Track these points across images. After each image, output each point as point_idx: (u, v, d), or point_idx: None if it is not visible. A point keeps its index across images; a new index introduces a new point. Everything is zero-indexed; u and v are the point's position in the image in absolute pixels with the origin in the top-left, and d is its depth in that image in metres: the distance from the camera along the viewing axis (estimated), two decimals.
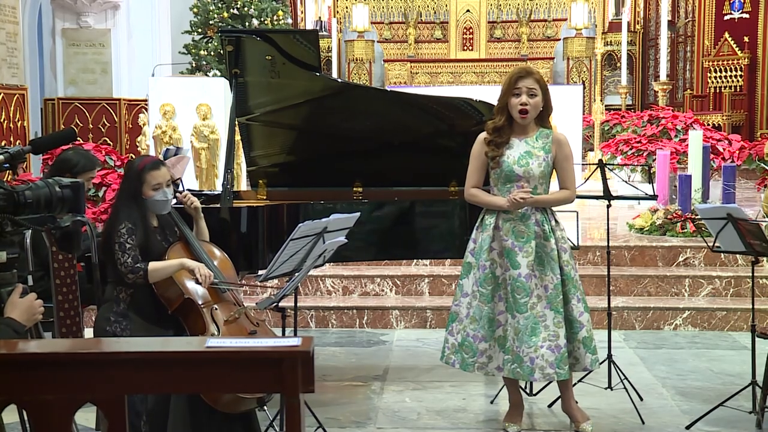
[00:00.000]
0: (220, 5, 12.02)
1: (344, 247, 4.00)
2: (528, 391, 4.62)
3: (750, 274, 4.73)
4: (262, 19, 12.02)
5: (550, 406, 4.53)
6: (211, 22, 12.00)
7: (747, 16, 13.36)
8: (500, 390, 4.62)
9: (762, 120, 13.15)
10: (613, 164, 6.73)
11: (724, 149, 9.31)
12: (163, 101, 8.49)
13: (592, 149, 11.59)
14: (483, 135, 4.15)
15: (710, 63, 13.75)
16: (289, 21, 13.07)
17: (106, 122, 11.08)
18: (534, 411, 4.53)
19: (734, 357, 5.58)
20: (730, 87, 13.37)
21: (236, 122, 4.74)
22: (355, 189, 5.03)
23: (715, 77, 13.69)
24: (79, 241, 2.59)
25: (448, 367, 4.26)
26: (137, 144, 9.55)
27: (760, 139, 11.87)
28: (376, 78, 16.26)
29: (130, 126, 11.02)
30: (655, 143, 9.68)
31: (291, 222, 4.37)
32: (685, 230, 7.13)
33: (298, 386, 1.85)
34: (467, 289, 4.14)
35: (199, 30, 12.17)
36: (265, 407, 3.85)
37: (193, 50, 12.01)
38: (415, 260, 6.81)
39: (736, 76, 13.41)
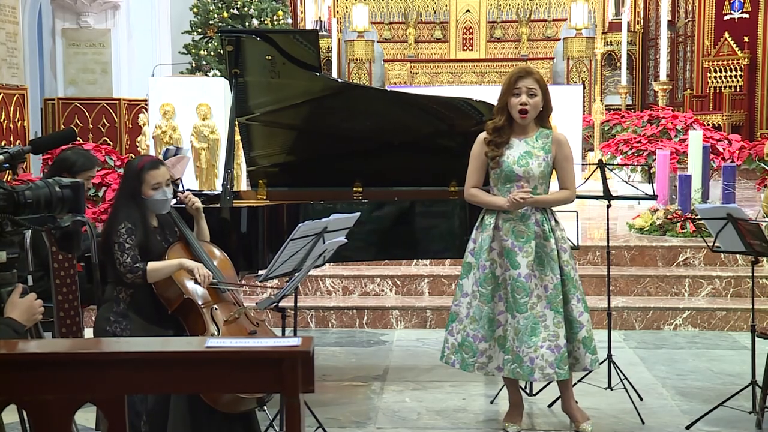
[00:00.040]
0: (220, 5, 12.03)
1: (344, 247, 4.00)
2: (528, 391, 4.62)
3: (750, 274, 4.73)
4: (262, 19, 12.02)
5: (550, 406, 4.53)
6: (211, 22, 12.00)
7: (747, 16, 13.36)
8: (500, 390, 4.62)
9: (762, 120, 13.15)
10: (613, 164, 6.73)
11: (724, 149, 9.31)
12: (163, 101, 8.49)
13: (592, 149, 11.59)
14: (483, 135, 4.15)
15: (710, 63, 13.75)
16: (289, 21, 13.08)
17: (106, 122, 11.08)
18: (534, 411, 4.53)
19: (734, 357, 5.58)
20: (730, 87, 13.37)
21: (236, 122, 4.74)
22: (355, 189, 5.03)
23: (715, 77, 13.69)
24: (79, 241, 2.59)
25: (448, 367, 4.26)
26: (137, 144, 9.55)
27: (760, 139, 11.87)
28: (376, 78, 16.26)
29: (130, 126, 11.02)
30: (655, 143, 9.68)
31: (291, 222, 4.37)
32: (685, 230, 7.13)
33: (298, 386, 1.85)
34: (467, 289, 4.14)
35: (199, 30, 12.18)
36: (265, 407, 3.85)
37: (193, 50, 12.01)
38: (415, 260, 6.81)
39: (736, 76, 13.41)
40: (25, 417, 2.36)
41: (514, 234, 4.06)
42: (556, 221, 4.15)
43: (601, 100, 12.37)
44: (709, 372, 5.28)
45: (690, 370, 5.33)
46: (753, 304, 4.63)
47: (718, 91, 13.55)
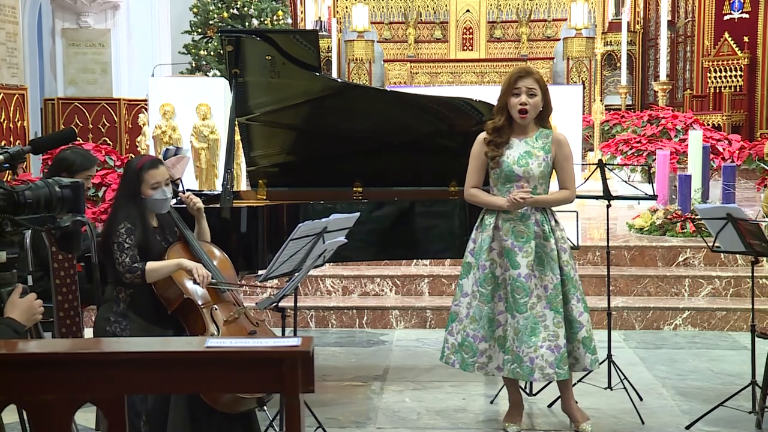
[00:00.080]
0: (220, 5, 12.03)
1: (344, 247, 4.01)
2: (528, 391, 4.62)
3: (750, 274, 4.73)
4: (262, 19, 12.02)
5: (549, 406, 4.53)
6: (211, 22, 12.01)
7: (747, 16, 13.36)
8: (500, 390, 4.62)
9: (762, 120, 13.15)
10: (612, 164, 6.73)
11: (723, 149, 9.30)
12: (163, 101, 8.49)
13: (592, 149, 11.59)
14: (483, 135, 4.15)
15: (710, 63, 13.75)
16: (289, 21, 13.08)
17: (106, 122, 11.08)
18: (534, 411, 4.53)
19: (734, 357, 5.58)
20: (730, 87, 13.37)
21: (236, 122, 4.74)
22: (354, 189, 5.03)
23: (715, 77, 13.69)
24: (79, 241, 2.59)
25: (448, 367, 4.26)
26: (137, 144, 9.55)
27: (759, 139, 11.86)
28: (376, 78, 16.26)
29: (130, 126, 11.02)
30: (655, 143, 9.68)
31: (291, 222, 4.37)
32: (685, 230, 7.13)
33: (298, 386, 1.85)
34: (467, 289, 4.14)
35: (199, 30, 12.18)
36: (265, 407, 3.85)
37: (193, 50, 12.01)
38: (415, 260, 6.81)
39: (735, 76, 13.41)
40: (25, 417, 2.36)
41: (514, 234, 4.06)
42: (556, 221, 4.15)
43: (601, 100, 12.37)
44: (709, 372, 5.28)
45: (690, 370, 5.33)
46: (753, 304, 4.63)
47: (718, 91, 13.55)
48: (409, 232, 4.83)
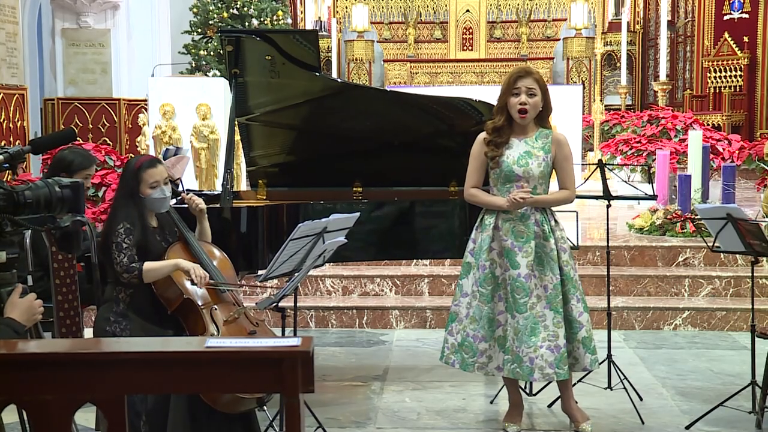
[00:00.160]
0: (219, 5, 12.03)
1: (344, 247, 4.01)
2: (528, 391, 4.62)
3: (750, 274, 4.73)
4: (262, 19, 12.02)
5: (549, 406, 4.53)
6: (210, 22, 12.01)
7: (747, 16, 13.35)
8: (500, 390, 4.62)
9: (762, 120, 13.15)
10: (612, 164, 6.73)
11: (723, 149, 9.30)
12: (163, 101, 8.49)
13: (591, 149, 11.59)
14: (482, 135, 4.15)
15: (710, 63, 13.75)
16: (289, 21, 13.08)
17: (105, 122, 11.08)
18: (534, 411, 4.53)
19: (734, 357, 5.58)
20: (730, 87, 13.36)
21: (236, 122, 4.74)
22: (354, 189, 5.03)
23: (715, 77, 13.69)
24: (79, 241, 2.59)
25: (448, 367, 4.26)
26: (137, 144, 9.55)
27: (759, 139, 11.86)
28: (375, 78, 16.25)
29: (130, 126, 11.02)
30: (655, 143, 9.68)
31: (291, 222, 4.37)
32: (685, 230, 7.13)
33: (298, 386, 1.85)
34: (467, 289, 4.14)
35: (199, 30, 12.18)
36: (265, 407, 3.85)
37: (193, 50, 12.01)
38: (414, 260, 6.81)
39: (735, 76, 13.41)
40: (25, 417, 2.36)
41: (514, 234, 4.06)
42: (555, 221, 4.15)
43: (600, 100, 12.37)
44: (709, 372, 5.28)
45: (690, 370, 5.33)
46: (753, 304, 4.63)
47: (717, 91, 13.55)
48: (409, 232, 4.83)
